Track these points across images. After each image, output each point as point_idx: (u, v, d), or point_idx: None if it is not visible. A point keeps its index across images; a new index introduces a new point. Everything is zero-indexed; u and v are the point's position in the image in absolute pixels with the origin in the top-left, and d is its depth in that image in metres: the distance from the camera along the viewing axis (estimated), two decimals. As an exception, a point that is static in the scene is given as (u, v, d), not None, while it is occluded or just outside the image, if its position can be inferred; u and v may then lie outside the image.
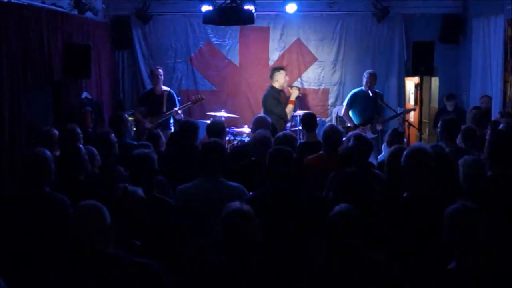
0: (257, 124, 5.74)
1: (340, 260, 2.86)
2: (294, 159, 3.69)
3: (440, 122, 5.29)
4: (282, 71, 7.83)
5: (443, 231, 2.66)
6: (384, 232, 3.23)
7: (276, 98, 7.61)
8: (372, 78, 7.90)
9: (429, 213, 3.19)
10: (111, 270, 2.62)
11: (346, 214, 2.90)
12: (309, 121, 5.95)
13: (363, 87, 7.97)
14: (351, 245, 2.84)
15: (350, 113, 7.91)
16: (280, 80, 7.74)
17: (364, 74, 8.05)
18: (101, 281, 2.59)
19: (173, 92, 8.34)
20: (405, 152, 3.46)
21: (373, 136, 7.57)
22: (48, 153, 3.66)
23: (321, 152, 5.13)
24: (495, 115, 7.54)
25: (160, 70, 8.25)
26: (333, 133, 5.11)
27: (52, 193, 3.58)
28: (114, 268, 2.63)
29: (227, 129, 7.26)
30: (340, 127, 5.71)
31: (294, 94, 7.64)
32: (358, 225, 2.88)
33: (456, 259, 2.61)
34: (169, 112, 7.97)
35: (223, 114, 8.67)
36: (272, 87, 7.81)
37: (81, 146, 4.18)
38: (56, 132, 5.49)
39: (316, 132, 6.14)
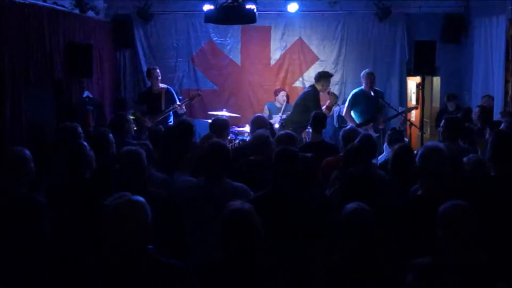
0: (256, 124, 5.73)
1: (354, 259, 2.85)
2: (299, 159, 3.69)
3: (442, 121, 5.27)
4: (329, 79, 7.81)
5: (437, 230, 2.69)
6: (396, 230, 3.23)
7: (317, 99, 7.56)
8: (371, 77, 7.88)
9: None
10: (153, 273, 2.53)
11: (361, 213, 2.90)
12: (317, 121, 5.94)
13: (363, 87, 7.96)
14: (365, 244, 2.84)
15: (352, 113, 7.90)
16: (324, 85, 7.69)
17: (362, 74, 8.03)
18: (137, 283, 2.50)
19: (171, 89, 8.31)
20: (420, 152, 3.43)
21: (376, 135, 7.55)
22: (28, 152, 3.63)
23: (340, 154, 5.12)
24: (496, 114, 7.53)
25: (157, 70, 8.23)
26: (352, 135, 5.10)
27: (29, 193, 3.56)
28: (155, 270, 2.54)
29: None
30: (359, 129, 5.71)
31: (332, 101, 7.61)
32: (373, 224, 2.88)
33: (449, 256, 2.64)
34: (168, 109, 7.94)
35: (224, 113, 8.66)
36: (315, 88, 7.76)
37: (85, 144, 4.17)
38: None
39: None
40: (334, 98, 7.62)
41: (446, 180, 3.34)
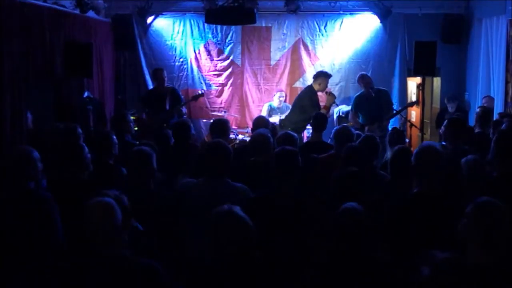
0: (258, 125, 5.75)
1: (344, 259, 2.85)
2: (299, 159, 3.68)
3: (445, 122, 5.26)
4: (327, 78, 7.74)
5: (461, 225, 2.66)
6: (391, 229, 3.23)
7: (313, 99, 7.49)
8: (363, 80, 7.86)
9: (440, 209, 3.22)
10: (116, 271, 2.58)
11: (353, 213, 2.90)
12: (318, 121, 5.94)
13: (363, 89, 7.96)
14: (356, 244, 2.84)
15: (358, 115, 7.90)
16: (322, 84, 7.62)
17: (357, 79, 8.00)
18: (105, 282, 2.56)
19: (177, 89, 8.29)
20: (415, 151, 3.46)
21: (382, 133, 7.52)
22: (35, 152, 3.66)
23: (332, 151, 5.13)
24: (496, 115, 7.53)
25: (164, 72, 8.20)
26: (345, 133, 5.10)
27: (37, 189, 3.58)
28: (119, 269, 2.59)
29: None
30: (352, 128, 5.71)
31: (329, 101, 7.53)
32: (364, 224, 2.87)
33: (473, 253, 2.61)
34: (172, 110, 7.92)
35: (224, 114, 8.67)
36: (312, 87, 7.71)
37: (83, 145, 4.18)
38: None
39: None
40: (332, 97, 7.57)
41: (442, 178, 3.36)
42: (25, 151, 3.65)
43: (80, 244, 2.66)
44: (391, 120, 8.56)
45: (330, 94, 7.61)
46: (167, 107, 7.95)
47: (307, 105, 7.38)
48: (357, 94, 8.07)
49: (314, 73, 8.62)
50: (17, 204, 3.45)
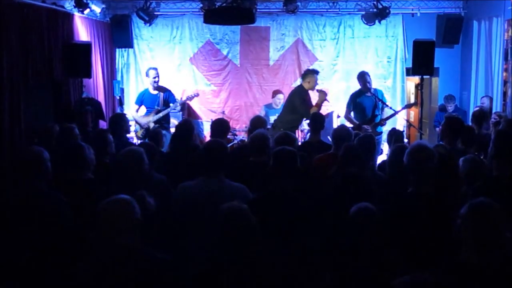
0: (254, 124, 5.74)
1: (359, 260, 2.86)
2: (297, 159, 3.68)
3: (444, 121, 5.26)
4: (316, 75, 7.69)
5: (458, 225, 2.66)
6: (389, 228, 3.24)
7: (302, 97, 7.48)
8: (363, 78, 7.84)
9: (436, 209, 3.23)
10: (136, 264, 2.64)
11: (368, 213, 2.91)
12: (315, 121, 5.94)
13: (361, 88, 7.95)
14: (367, 243, 2.85)
15: (352, 114, 7.88)
16: (311, 82, 7.56)
17: (357, 77, 8.01)
18: (126, 275, 2.61)
19: (170, 90, 8.26)
20: (407, 151, 3.47)
21: (377, 134, 7.51)
22: (46, 152, 3.66)
23: (331, 151, 5.12)
24: (493, 115, 7.53)
25: (156, 71, 8.16)
26: (343, 133, 5.10)
27: (49, 190, 3.59)
28: (138, 262, 2.65)
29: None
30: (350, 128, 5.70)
31: (320, 98, 7.51)
32: (378, 224, 2.89)
33: (468, 253, 2.61)
34: (166, 110, 7.86)
35: (223, 114, 8.67)
36: (301, 86, 7.70)
37: (84, 144, 4.17)
38: (57, 127, 5.51)
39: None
40: (323, 94, 7.55)
41: (436, 177, 3.37)
42: (36, 151, 3.66)
43: (89, 240, 2.71)
44: (390, 120, 8.57)
45: (321, 91, 7.59)
46: (160, 107, 7.90)
47: (297, 104, 7.38)
48: (353, 92, 8.03)
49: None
50: (29, 204, 3.46)
